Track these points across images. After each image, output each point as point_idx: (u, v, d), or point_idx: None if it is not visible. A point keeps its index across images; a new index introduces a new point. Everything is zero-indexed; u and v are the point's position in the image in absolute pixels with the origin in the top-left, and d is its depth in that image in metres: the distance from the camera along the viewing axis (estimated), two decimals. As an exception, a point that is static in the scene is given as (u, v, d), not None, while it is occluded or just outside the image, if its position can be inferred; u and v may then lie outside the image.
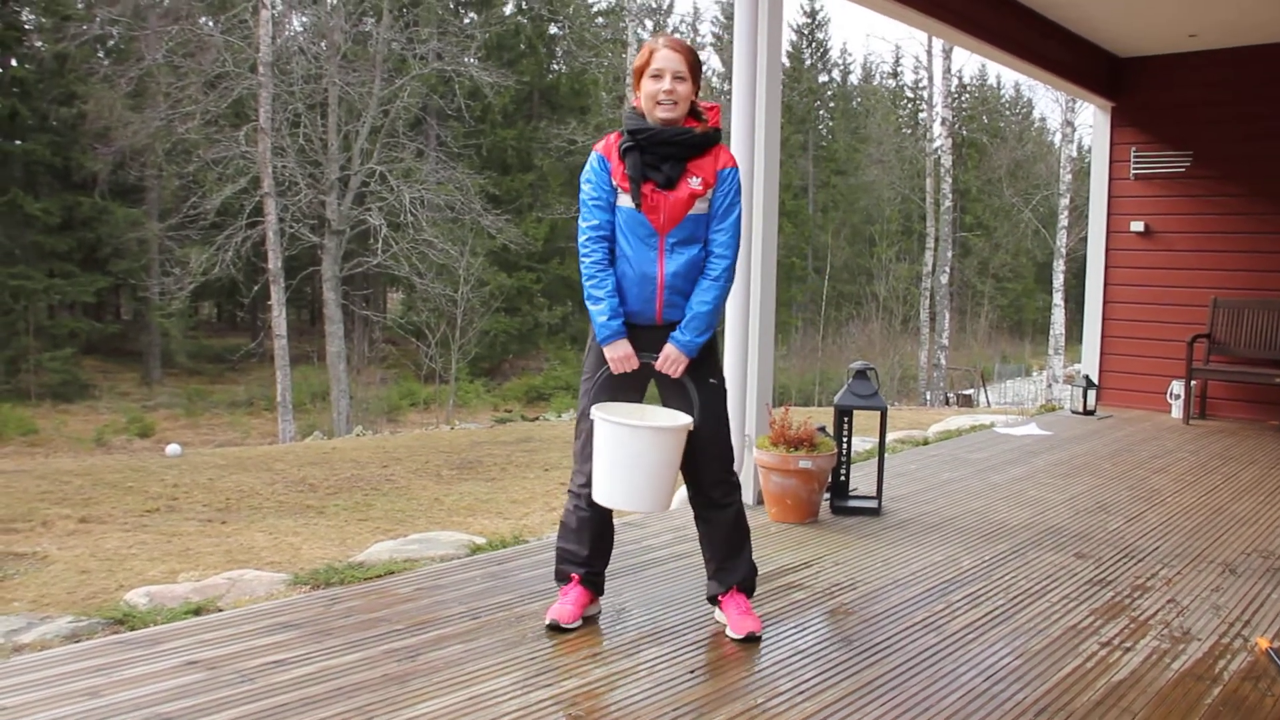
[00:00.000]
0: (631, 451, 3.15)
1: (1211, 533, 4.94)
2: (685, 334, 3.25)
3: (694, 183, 3.23)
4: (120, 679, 2.86)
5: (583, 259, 3.28)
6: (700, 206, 3.24)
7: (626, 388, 3.36)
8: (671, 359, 3.26)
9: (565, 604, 3.39)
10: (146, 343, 29.78)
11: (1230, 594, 3.98)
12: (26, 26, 28.14)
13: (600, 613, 3.53)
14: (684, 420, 3.24)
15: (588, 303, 3.28)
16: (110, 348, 30.19)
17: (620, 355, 3.26)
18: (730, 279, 3.30)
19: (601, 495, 3.24)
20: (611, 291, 3.25)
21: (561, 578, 3.48)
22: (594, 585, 3.48)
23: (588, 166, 3.31)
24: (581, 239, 3.28)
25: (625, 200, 3.23)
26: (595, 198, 3.27)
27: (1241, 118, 8.47)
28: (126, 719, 2.61)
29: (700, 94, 3.35)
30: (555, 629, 3.34)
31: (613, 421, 3.17)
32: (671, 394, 3.37)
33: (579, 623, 3.38)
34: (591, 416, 3.22)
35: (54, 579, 6.08)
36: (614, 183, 3.25)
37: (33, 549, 6.99)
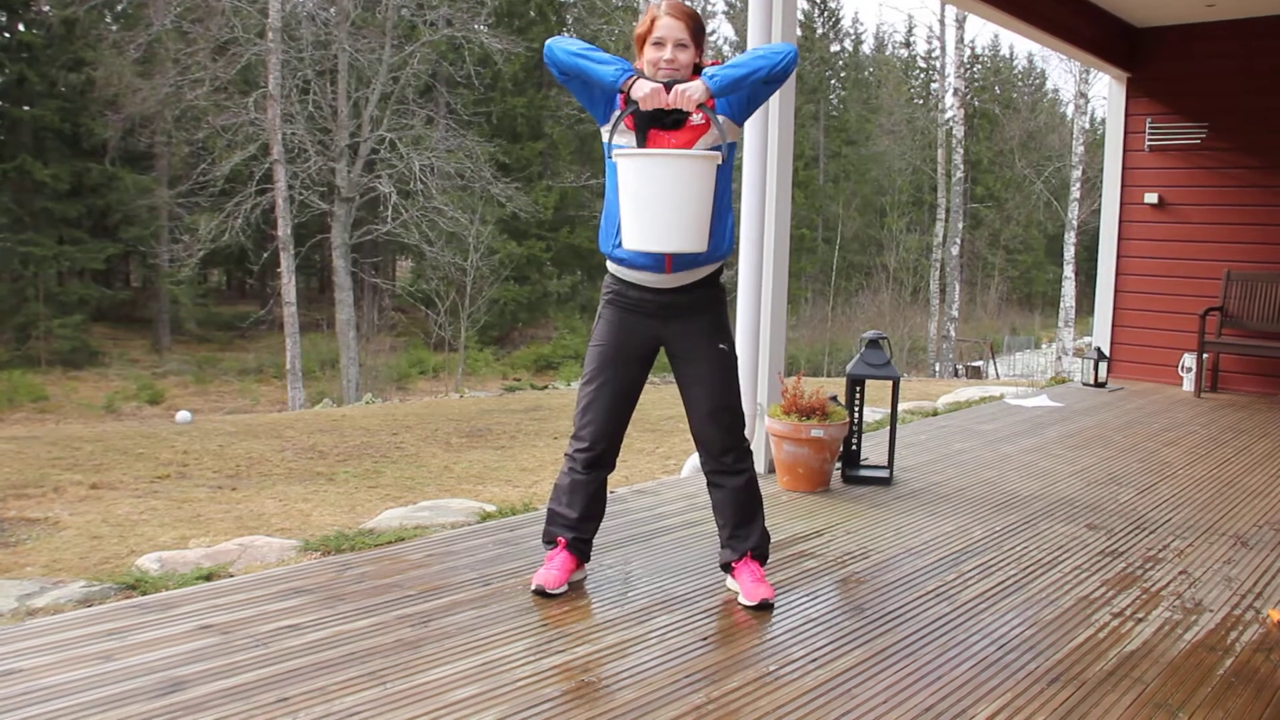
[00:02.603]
0: (659, 185, 2.99)
1: (1223, 505, 4.93)
2: (712, 70, 3.05)
3: (695, 119, 3.15)
4: (134, 642, 2.87)
5: (561, 43, 3.08)
6: (705, 140, 3.14)
7: (633, 358, 3.34)
8: (685, 87, 3.01)
9: (551, 569, 3.39)
10: (156, 310, 29.85)
11: (1242, 566, 3.97)
12: (35, -9, 28.05)
13: (585, 579, 3.53)
14: (710, 153, 3.07)
15: (586, 63, 3.05)
16: (120, 315, 30.28)
17: (650, 89, 3.00)
18: (785, 50, 3.06)
19: (633, 239, 3.06)
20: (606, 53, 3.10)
21: (549, 540, 3.48)
22: (580, 552, 3.47)
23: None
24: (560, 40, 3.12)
25: (631, 141, 3.16)
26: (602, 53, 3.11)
27: (1259, 89, 8.39)
28: (141, 682, 2.62)
29: (707, 55, 3.31)
30: (541, 594, 3.34)
31: (637, 153, 3.03)
32: (685, 361, 3.35)
33: (564, 588, 3.38)
34: (614, 157, 3.08)
35: (66, 544, 6.12)
36: (619, 106, 3.13)
37: (45, 514, 7.03)
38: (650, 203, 3.01)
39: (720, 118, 3.15)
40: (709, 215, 3.08)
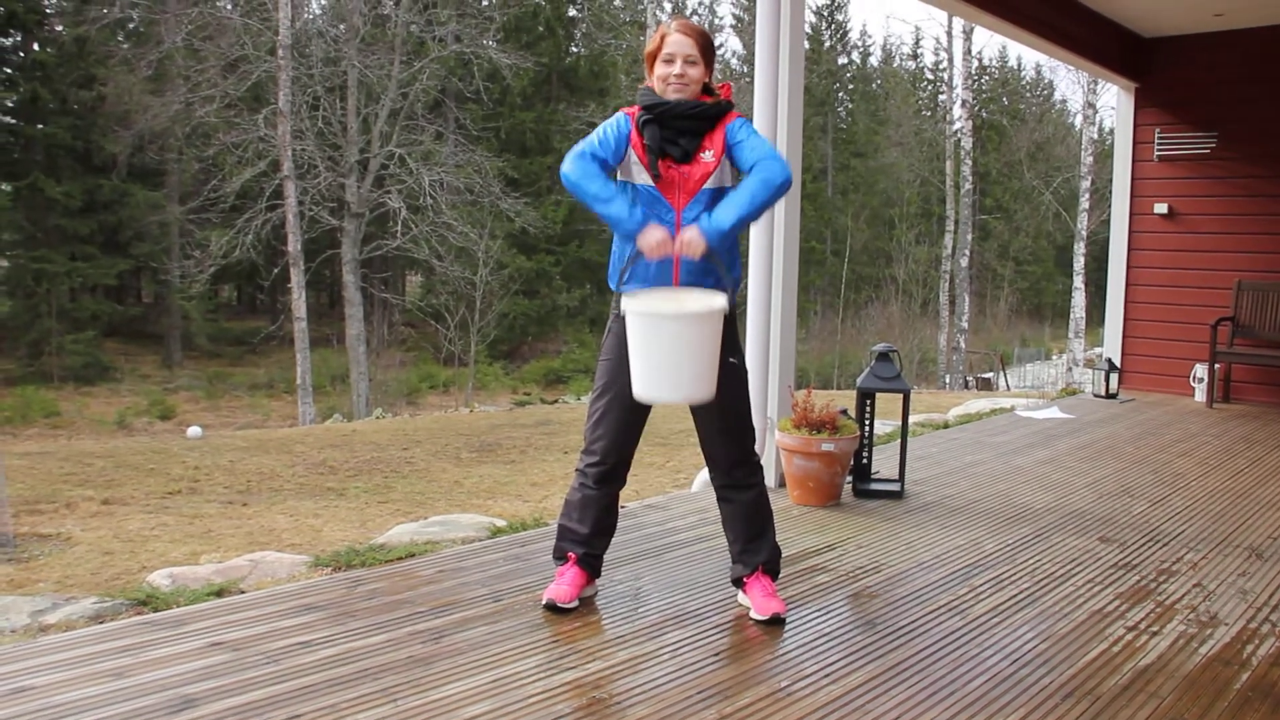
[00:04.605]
0: (666, 341, 3.04)
1: (1237, 517, 4.91)
2: (711, 219, 3.10)
3: (707, 156, 3.20)
4: (146, 659, 2.87)
5: (575, 170, 3.12)
6: (714, 180, 3.20)
7: None
8: (688, 239, 3.09)
9: (562, 584, 3.39)
10: (167, 325, 29.94)
11: (1257, 578, 3.95)
12: (48, 10, 28.23)
13: (596, 594, 3.53)
14: (718, 303, 3.11)
15: (597, 205, 3.11)
16: (131, 330, 30.37)
17: (657, 239, 3.09)
18: (781, 178, 3.09)
19: (642, 391, 3.12)
20: (618, 190, 3.16)
21: (559, 556, 3.48)
22: (591, 567, 3.47)
23: (609, 120, 3.25)
24: (572, 155, 3.14)
25: (643, 177, 3.20)
26: (603, 138, 3.18)
27: (1268, 98, 8.37)
28: (152, 699, 2.62)
29: (716, 76, 3.33)
30: (552, 609, 3.34)
31: (645, 313, 3.06)
32: None
33: (576, 603, 3.38)
34: (623, 310, 3.13)
35: (78, 560, 6.13)
36: (630, 146, 3.20)
37: (57, 530, 7.05)
38: (659, 359, 3.07)
39: (725, 161, 3.22)
40: (716, 360, 3.13)
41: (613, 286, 3.34)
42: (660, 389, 3.11)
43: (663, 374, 3.08)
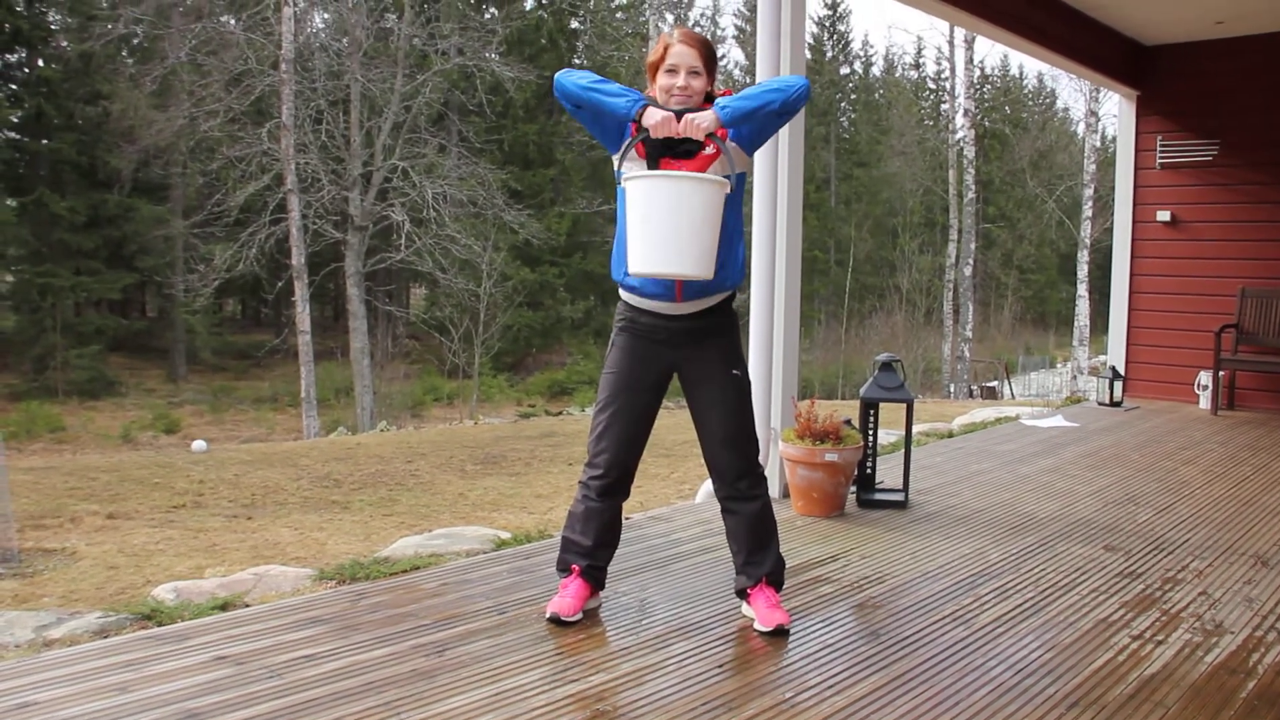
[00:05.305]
0: (665, 201, 2.97)
1: (1242, 524, 4.89)
2: (724, 100, 3.07)
3: (708, 149, 3.15)
4: (149, 674, 2.87)
5: (566, 72, 3.14)
6: (716, 168, 3.14)
7: (647, 385, 3.34)
8: (695, 116, 3.03)
9: (565, 597, 3.38)
10: (172, 339, 30.01)
11: (1263, 586, 3.94)
12: (53, 27, 28.37)
13: (600, 606, 3.52)
14: (718, 179, 3.05)
15: (592, 93, 3.08)
16: (136, 344, 30.44)
17: (662, 117, 3.03)
18: (798, 79, 3.10)
19: (638, 262, 3.03)
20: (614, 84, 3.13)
21: (563, 567, 3.47)
22: (594, 579, 3.46)
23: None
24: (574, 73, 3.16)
25: (641, 170, 3.15)
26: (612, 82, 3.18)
27: (1269, 105, 8.38)
28: (156, 714, 2.62)
29: (718, 85, 3.32)
30: (556, 621, 3.33)
31: (646, 175, 3.02)
32: (699, 387, 3.34)
33: (579, 615, 3.37)
34: (623, 183, 3.08)
35: (82, 574, 6.13)
36: (631, 136, 3.15)
37: (62, 545, 7.05)
38: (657, 224, 2.98)
39: (730, 145, 3.15)
40: (716, 242, 3.07)
41: (616, 277, 3.31)
42: (661, 260, 3.00)
43: (664, 242, 2.99)
